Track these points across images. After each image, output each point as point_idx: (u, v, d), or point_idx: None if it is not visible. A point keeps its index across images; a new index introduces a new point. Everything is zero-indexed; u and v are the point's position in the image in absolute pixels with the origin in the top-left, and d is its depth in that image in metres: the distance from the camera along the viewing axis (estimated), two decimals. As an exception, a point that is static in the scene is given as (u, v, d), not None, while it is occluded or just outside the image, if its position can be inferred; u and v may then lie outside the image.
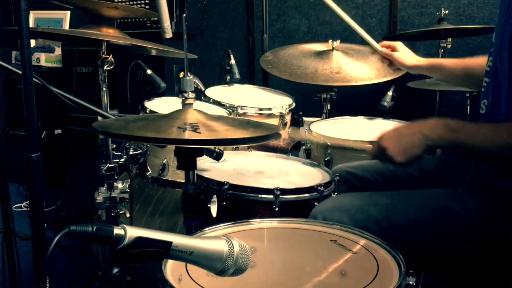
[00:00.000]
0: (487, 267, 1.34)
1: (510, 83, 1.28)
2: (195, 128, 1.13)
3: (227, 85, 2.57)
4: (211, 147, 1.50)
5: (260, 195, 1.42)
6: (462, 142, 1.22)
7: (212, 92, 2.36)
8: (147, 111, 1.95)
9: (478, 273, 1.36)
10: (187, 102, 1.24)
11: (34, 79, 1.24)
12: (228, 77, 2.59)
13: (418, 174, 1.60)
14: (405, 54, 1.81)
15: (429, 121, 1.28)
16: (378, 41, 3.17)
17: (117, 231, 0.79)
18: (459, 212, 1.30)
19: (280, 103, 2.32)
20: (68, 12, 3.99)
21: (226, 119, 1.38)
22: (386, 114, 2.34)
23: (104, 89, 1.71)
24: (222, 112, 2.14)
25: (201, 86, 2.27)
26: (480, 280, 1.36)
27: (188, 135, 1.11)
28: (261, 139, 1.23)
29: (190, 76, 1.24)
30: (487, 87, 1.39)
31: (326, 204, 1.39)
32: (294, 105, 2.34)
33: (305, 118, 2.51)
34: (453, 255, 1.33)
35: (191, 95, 1.24)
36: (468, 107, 2.35)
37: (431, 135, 1.25)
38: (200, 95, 2.27)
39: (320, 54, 2.48)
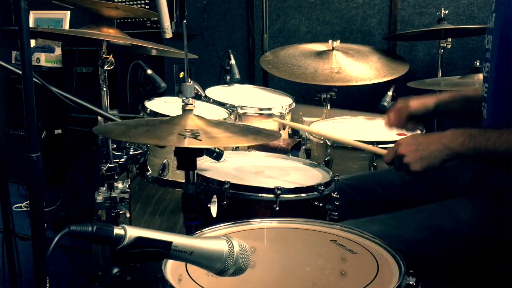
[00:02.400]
0: (487, 268, 1.34)
1: (500, 89, 1.29)
2: (195, 135, 1.13)
3: (227, 85, 2.57)
4: (212, 147, 1.50)
5: (260, 195, 1.42)
6: (484, 149, 1.23)
7: (212, 92, 2.36)
8: (148, 111, 1.95)
9: (478, 274, 1.37)
10: (187, 108, 1.24)
11: (34, 79, 1.23)
12: (228, 77, 2.59)
13: (415, 181, 1.60)
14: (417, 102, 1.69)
15: (448, 131, 1.30)
16: (378, 41, 3.19)
17: (117, 231, 0.79)
18: (453, 228, 1.32)
19: (280, 103, 2.32)
20: (68, 12, 3.99)
21: (226, 125, 1.38)
22: (386, 114, 2.34)
23: (104, 89, 1.71)
24: (222, 112, 2.14)
25: (201, 92, 2.27)
26: (481, 281, 1.36)
27: (188, 142, 1.11)
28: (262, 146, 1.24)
29: (190, 82, 1.25)
30: (486, 92, 1.39)
31: None
32: (294, 105, 2.34)
33: (305, 118, 2.51)
34: (453, 266, 1.34)
35: (192, 101, 1.24)
36: (468, 107, 2.35)
37: (451, 144, 1.26)
38: (199, 99, 2.26)
39: (320, 54, 2.48)
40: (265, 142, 1.21)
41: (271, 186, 1.41)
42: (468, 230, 1.30)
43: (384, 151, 1.42)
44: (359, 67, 2.39)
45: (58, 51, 3.84)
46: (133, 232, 0.80)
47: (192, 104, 1.24)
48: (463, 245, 1.31)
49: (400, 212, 1.41)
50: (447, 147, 1.27)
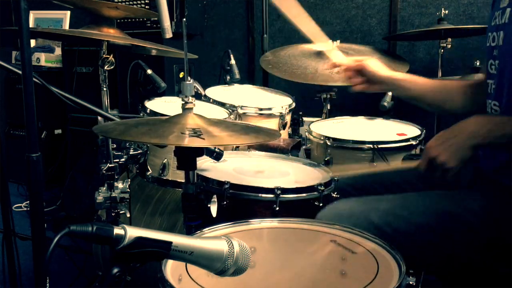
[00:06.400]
0: (489, 267, 1.34)
1: None
2: (198, 134, 1.13)
3: (227, 85, 2.57)
4: (212, 146, 1.50)
5: (260, 195, 1.42)
6: (508, 134, 1.21)
7: (212, 92, 2.36)
8: (148, 111, 1.95)
9: (479, 273, 1.36)
10: (187, 106, 1.24)
11: (34, 79, 1.24)
12: (228, 77, 2.59)
13: (415, 180, 1.60)
14: (378, 65, 1.64)
15: (471, 118, 1.26)
16: (378, 41, 3.19)
17: (117, 231, 0.79)
18: (461, 214, 1.30)
19: (280, 103, 2.32)
20: (68, 12, 3.99)
21: (226, 124, 1.38)
22: (386, 114, 2.34)
23: (105, 89, 1.71)
24: (222, 112, 2.14)
25: (201, 90, 2.27)
26: (481, 280, 1.36)
27: (191, 141, 1.11)
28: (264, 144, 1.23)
29: (190, 81, 1.24)
30: (497, 89, 1.38)
31: (326, 212, 1.38)
32: (294, 105, 2.34)
33: (305, 118, 2.51)
34: (456, 257, 1.33)
35: (191, 99, 1.24)
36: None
37: (480, 131, 1.23)
38: (199, 99, 2.26)
39: (320, 54, 2.48)
40: (265, 141, 1.21)
41: (271, 186, 1.41)
42: (475, 219, 1.28)
43: (415, 163, 1.37)
44: (359, 67, 2.38)
45: (58, 51, 3.84)
46: (133, 232, 0.80)
47: (192, 102, 1.24)
48: (469, 233, 1.29)
49: (409, 194, 1.40)
50: (475, 135, 1.23)
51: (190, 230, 1.28)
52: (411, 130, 2.13)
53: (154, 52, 2.05)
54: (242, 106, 2.16)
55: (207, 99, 2.25)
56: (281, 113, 2.24)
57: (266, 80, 3.15)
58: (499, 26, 1.38)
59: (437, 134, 1.31)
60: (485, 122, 1.24)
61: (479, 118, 1.26)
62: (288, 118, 2.30)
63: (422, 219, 1.32)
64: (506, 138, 1.21)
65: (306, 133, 2.17)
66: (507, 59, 1.33)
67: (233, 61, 2.60)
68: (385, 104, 2.33)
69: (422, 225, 1.31)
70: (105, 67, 1.68)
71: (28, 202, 3.09)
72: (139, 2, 3.17)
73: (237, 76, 2.58)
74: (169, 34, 1.59)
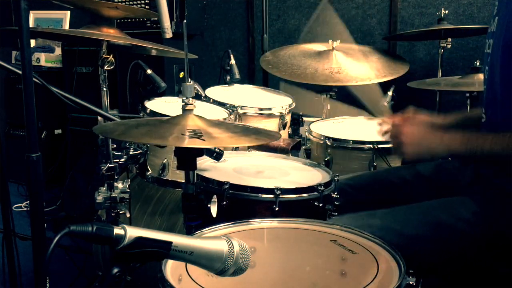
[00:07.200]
0: (487, 267, 1.34)
1: (504, 92, 1.29)
2: (199, 135, 1.14)
3: (227, 85, 2.57)
4: (212, 146, 1.50)
5: (260, 195, 1.41)
6: (480, 151, 1.28)
7: (212, 92, 2.36)
8: (148, 111, 1.95)
9: (478, 273, 1.37)
10: (187, 108, 1.24)
11: (34, 79, 1.24)
12: (228, 77, 2.59)
13: (415, 180, 1.60)
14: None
15: (449, 132, 1.34)
16: (378, 41, 3.19)
17: (117, 231, 0.79)
18: (453, 224, 1.32)
19: (280, 103, 2.32)
20: (68, 12, 4.00)
21: (227, 125, 1.38)
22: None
23: (104, 89, 1.71)
24: (222, 112, 2.14)
25: (201, 92, 2.27)
26: (481, 280, 1.37)
27: (191, 142, 1.11)
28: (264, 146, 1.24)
29: (190, 82, 1.25)
30: (486, 96, 1.40)
31: None
32: (294, 105, 2.34)
33: (305, 118, 2.51)
34: (453, 261, 1.35)
35: (192, 101, 1.24)
36: (468, 107, 2.35)
37: (451, 145, 1.32)
38: (199, 99, 2.26)
39: (320, 54, 2.48)
40: (266, 142, 1.21)
41: (271, 186, 1.41)
42: (468, 227, 1.30)
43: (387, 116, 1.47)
44: (359, 67, 2.39)
45: (58, 51, 3.84)
46: (133, 232, 0.80)
47: (192, 104, 1.24)
48: (462, 242, 1.31)
49: (400, 207, 1.41)
50: (448, 147, 1.31)
51: (190, 230, 1.28)
52: (411, 130, 2.12)
53: (154, 52, 2.05)
54: (242, 106, 2.16)
55: (207, 99, 2.25)
56: (281, 113, 2.24)
57: (266, 80, 3.15)
58: (491, 34, 1.40)
59: (421, 127, 1.37)
60: (458, 137, 1.32)
61: (455, 133, 1.34)
62: (288, 118, 2.30)
63: (415, 231, 1.34)
64: (473, 152, 1.29)
65: (306, 133, 2.17)
66: (495, 67, 1.34)
67: (233, 61, 2.60)
68: (385, 104, 2.33)
69: (414, 237, 1.33)
70: (105, 67, 1.68)
71: (28, 202, 3.09)
72: (139, 2, 3.17)
73: (237, 76, 2.58)
74: (169, 34, 1.59)
